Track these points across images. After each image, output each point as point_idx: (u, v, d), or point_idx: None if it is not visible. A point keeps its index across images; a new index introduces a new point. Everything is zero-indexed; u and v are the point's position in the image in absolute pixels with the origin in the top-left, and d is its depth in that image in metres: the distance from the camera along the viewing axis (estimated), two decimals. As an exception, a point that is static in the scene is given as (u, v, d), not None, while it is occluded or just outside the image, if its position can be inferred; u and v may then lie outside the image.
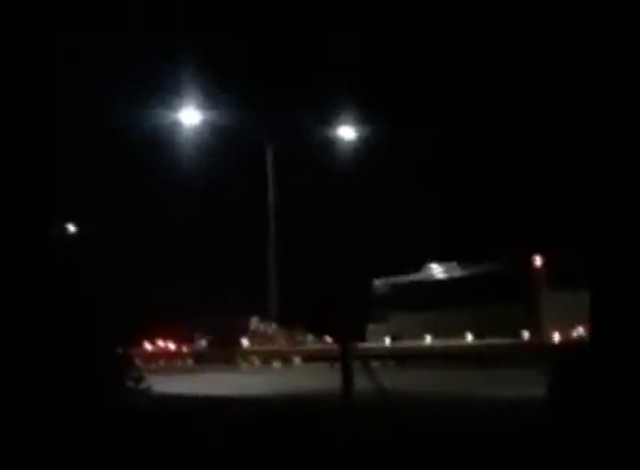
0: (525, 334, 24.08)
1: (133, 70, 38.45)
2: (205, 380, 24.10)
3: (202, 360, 33.94)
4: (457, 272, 28.00)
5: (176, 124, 38.46)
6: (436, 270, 28.92)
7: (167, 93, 37.74)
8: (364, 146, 39.24)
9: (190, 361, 35.54)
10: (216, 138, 38.73)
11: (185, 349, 36.06)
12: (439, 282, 28.32)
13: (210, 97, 38.01)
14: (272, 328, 34.61)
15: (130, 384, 11.85)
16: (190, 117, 38.37)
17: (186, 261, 40.00)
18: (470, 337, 25.49)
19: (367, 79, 39.76)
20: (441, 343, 26.05)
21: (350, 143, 39.86)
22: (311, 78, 40.80)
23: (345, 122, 39.55)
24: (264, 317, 35.75)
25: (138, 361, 15.91)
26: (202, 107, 38.09)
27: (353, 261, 33.80)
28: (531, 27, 34.11)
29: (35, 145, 6.30)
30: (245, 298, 36.39)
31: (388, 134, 37.49)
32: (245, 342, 33.83)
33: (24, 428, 5.93)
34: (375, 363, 24.04)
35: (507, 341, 24.15)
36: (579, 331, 22.17)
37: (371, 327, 29.35)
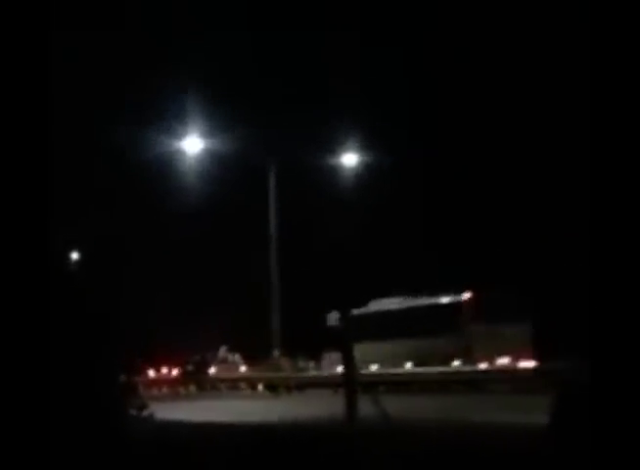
0: (457, 363, 26.46)
1: (136, 99, 38.62)
2: (206, 407, 24.01)
3: (176, 386, 35.98)
4: (401, 306, 30.23)
5: (179, 153, 38.65)
6: (383, 304, 31.21)
7: (171, 122, 37.94)
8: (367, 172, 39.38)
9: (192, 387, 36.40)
10: (219, 166, 38.90)
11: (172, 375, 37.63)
12: (385, 315, 30.37)
13: (213, 125, 38.23)
14: (236, 357, 37.23)
15: (133, 411, 11.79)
16: (193, 144, 38.55)
17: (188, 289, 40.11)
18: (409, 365, 28.19)
19: (370, 105, 39.90)
20: (390, 371, 28.19)
21: (353, 169, 39.97)
22: (313, 104, 40.99)
23: (349, 149, 39.66)
24: (233, 347, 38.03)
25: (141, 388, 15.88)
26: (204, 135, 38.27)
27: (337, 292, 34.74)
28: (531, 40, 34.14)
29: (37, 168, 6.32)
30: (246, 326, 36.81)
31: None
32: (212, 370, 36.65)
33: (26, 453, 5.91)
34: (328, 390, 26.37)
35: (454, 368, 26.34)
36: (505, 360, 24.62)
37: (325, 356, 31.64)
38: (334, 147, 39.55)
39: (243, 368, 37.54)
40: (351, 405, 16.81)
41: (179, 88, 37.79)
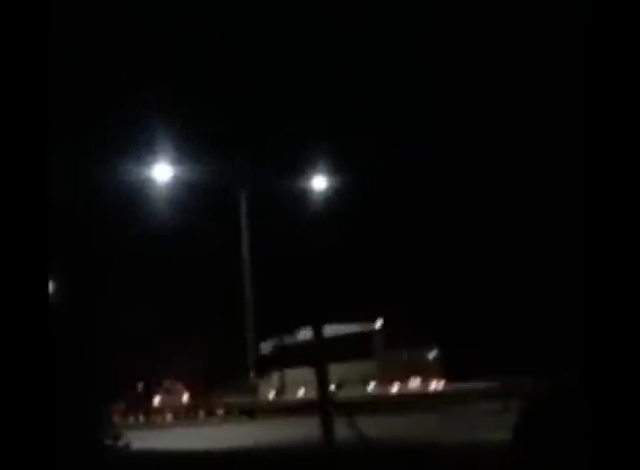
0: (372, 386, 29.18)
1: (105, 127, 38.62)
2: (180, 434, 23.99)
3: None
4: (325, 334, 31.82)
5: (149, 181, 38.69)
6: (309, 333, 32.28)
7: (139, 149, 37.98)
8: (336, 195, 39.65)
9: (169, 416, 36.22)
10: (189, 193, 38.96)
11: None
12: (311, 342, 31.86)
13: (182, 152, 38.31)
14: (178, 387, 37.62)
15: (108, 442, 11.82)
16: (162, 172, 38.62)
17: (160, 314, 40.05)
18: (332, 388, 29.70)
19: (337, 129, 40.13)
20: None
21: (322, 193, 40.23)
22: (282, 130, 41.14)
23: (318, 172, 39.94)
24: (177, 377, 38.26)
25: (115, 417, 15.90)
26: (174, 162, 38.38)
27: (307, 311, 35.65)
28: (530, 40, 34.19)
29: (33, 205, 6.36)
30: (221, 348, 36.85)
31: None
32: (155, 399, 36.66)
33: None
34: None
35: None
36: (416, 383, 27.29)
37: (260, 382, 33.93)
38: (304, 170, 39.80)
39: (185, 397, 37.69)
40: (327, 428, 16.83)
41: (148, 116, 37.84)
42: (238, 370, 36.69)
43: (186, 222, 39.93)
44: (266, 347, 34.07)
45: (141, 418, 35.67)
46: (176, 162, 38.42)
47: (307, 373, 29.84)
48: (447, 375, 26.87)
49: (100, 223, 39.97)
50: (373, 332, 30.25)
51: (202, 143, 39.12)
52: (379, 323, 30.17)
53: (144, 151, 37.93)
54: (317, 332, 20.56)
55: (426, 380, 26.89)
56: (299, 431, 18.93)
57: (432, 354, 28.39)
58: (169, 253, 40.50)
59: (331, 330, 29.78)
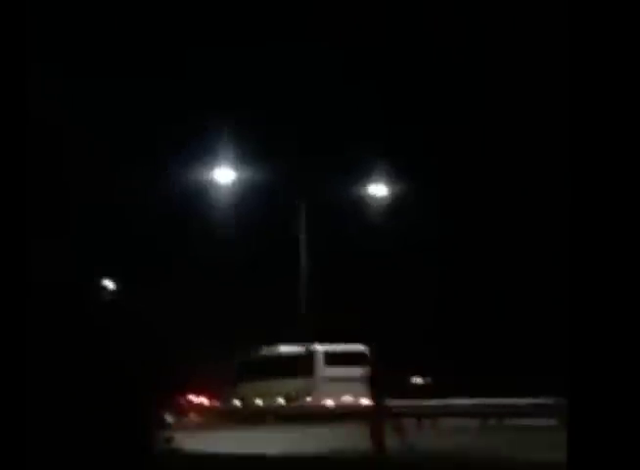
0: (309, 399, 34.27)
1: (170, 132, 39.25)
2: (227, 437, 24.13)
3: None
4: (278, 352, 37.21)
5: (211, 183, 39.21)
6: (265, 350, 37.96)
7: (203, 153, 38.57)
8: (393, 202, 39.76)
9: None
10: (250, 196, 39.39)
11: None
12: (268, 359, 37.26)
13: (244, 156, 38.76)
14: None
15: (161, 445, 11.96)
16: (224, 175, 39.11)
17: (215, 319, 40.55)
18: (281, 400, 35.69)
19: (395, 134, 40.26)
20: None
21: (382, 199, 40.30)
22: (344, 136, 41.35)
23: (377, 180, 40.00)
24: None
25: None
26: (235, 166, 38.87)
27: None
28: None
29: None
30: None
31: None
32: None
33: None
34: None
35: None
36: (348, 398, 32.33)
37: (229, 391, 38.58)
38: (362, 177, 39.92)
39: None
40: (379, 437, 17.03)
41: (208, 120, 38.36)
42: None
43: (245, 225, 40.36)
44: (236, 358, 38.93)
45: (183, 420, 36.01)
46: (238, 165, 38.87)
47: (263, 385, 36.20)
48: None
49: (164, 225, 40.61)
50: (313, 352, 35.05)
51: (263, 148, 39.54)
52: (319, 345, 35.04)
53: (207, 155, 38.51)
54: (372, 350, 20.98)
55: (355, 397, 30.91)
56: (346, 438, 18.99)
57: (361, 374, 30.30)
58: (229, 256, 40.93)
59: (284, 349, 36.71)
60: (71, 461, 6.74)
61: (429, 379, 40.76)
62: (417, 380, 41.19)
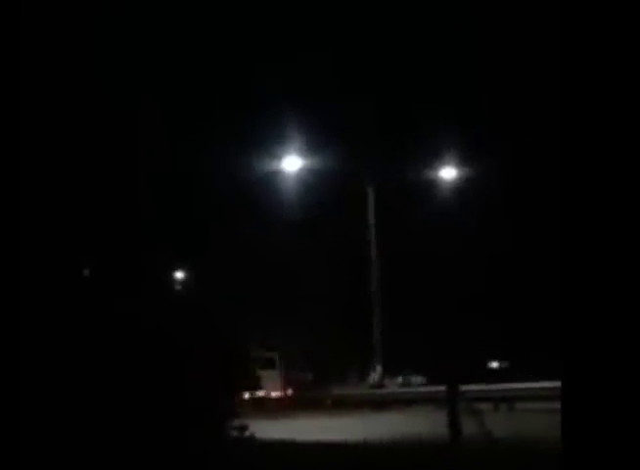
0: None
1: (238, 122, 39.44)
2: (300, 425, 24.03)
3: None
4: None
5: (279, 172, 39.29)
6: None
7: (270, 142, 38.68)
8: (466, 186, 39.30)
9: None
10: (317, 183, 39.35)
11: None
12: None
13: (310, 143, 38.71)
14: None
15: (234, 433, 11.94)
16: (292, 163, 39.13)
17: (285, 308, 40.69)
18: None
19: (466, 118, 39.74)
20: None
21: (451, 183, 39.87)
22: (411, 121, 41.01)
23: (446, 163, 39.59)
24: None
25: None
26: (302, 154, 38.84)
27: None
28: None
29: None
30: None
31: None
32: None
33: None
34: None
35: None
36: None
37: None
38: (432, 161, 39.57)
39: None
40: (455, 423, 16.92)
41: (275, 109, 38.38)
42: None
43: (314, 213, 40.31)
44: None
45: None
46: (305, 153, 38.84)
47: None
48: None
49: (232, 215, 40.82)
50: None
51: (331, 135, 39.41)
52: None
53: (274, 144, 38.59)
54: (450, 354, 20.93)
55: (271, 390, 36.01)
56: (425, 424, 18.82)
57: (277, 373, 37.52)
58: (296, 242, 40.93)
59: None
60: (145, 447, 6.70)
61: (505, 363, 40.39)
62: (493, 364, 40.92)
